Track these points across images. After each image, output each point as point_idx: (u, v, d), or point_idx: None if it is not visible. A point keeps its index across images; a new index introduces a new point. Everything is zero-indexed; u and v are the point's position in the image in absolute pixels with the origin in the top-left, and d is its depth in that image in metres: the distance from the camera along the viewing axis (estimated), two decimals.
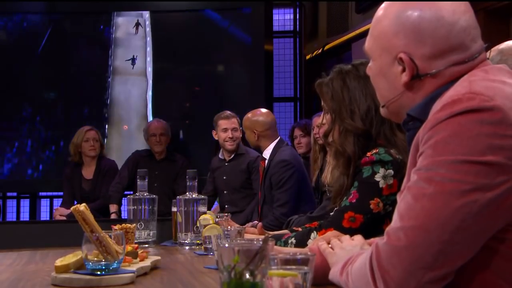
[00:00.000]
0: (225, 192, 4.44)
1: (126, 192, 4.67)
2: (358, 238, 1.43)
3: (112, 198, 4.64)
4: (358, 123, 1.90)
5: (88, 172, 4.82)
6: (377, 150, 1.86)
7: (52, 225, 3.23)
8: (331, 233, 1.55)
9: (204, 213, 2.40)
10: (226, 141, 4.32)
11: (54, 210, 5.25)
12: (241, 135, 4.35)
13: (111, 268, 1.51)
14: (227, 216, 2.35)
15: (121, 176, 4.75)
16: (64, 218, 4.39)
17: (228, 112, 4.39)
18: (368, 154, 1.87)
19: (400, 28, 1.21)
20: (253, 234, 2.11)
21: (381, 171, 1.84)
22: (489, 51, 1.95)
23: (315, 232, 1.89)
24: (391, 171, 1.84)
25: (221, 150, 4.48)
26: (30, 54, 5.87)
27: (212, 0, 5.94)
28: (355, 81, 1.93)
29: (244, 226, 2.10)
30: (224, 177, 4.42)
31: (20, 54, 5.90)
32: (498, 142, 1.04)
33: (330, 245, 1.42)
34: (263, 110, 4.18)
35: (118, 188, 4.67)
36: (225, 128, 4.32)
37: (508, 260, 1.09)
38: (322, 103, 2.01)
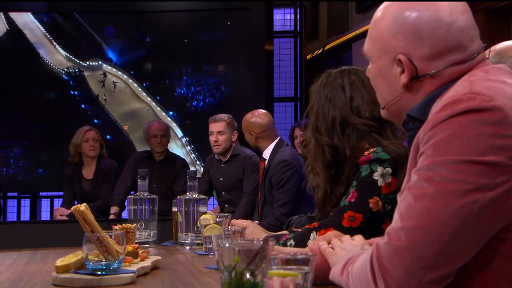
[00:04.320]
0: (223, 193, 4.44)
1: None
2: (359, 238, 1.43)
3: (114, 200, 4.65)
4: (324, 137, 1.93)
5: (88, 172, 4.82)
6: (375, 149, 1.87)
7: (53, 225, 3.21)
8: (332, 233, 1.55)
9: (205, 213, 2.40)
10: (213, 145, 4.32)
11: (54, 210, 5.26)
12: (231, 138, 4.32)
13: (111, 268, 1.51)
14: (228, 216, 2.35)
15: (124, 179, 4.75)
16: (65, 218, 4.39)
17: (221, 115, 4.38)
18: (366, 153, 1.87)
19: (398, 29, 1.21)
20: (242, 223, 2.17)
21: (379, 169, 1.84)
22: (488, 50, 1.95)
23: (314, 232, 1.89)
24: (389, 169, 1.84)
25: None
26: (31, 53, 5.87)
27: (212, 0, 5.94)
28: (325, 90, 1.97)
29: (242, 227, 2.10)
30: (221, 179, 4.41)
31: (21, 53, 5.89)
32: (498, 142, 1.04)
33: (330, 245, 1.42)
34: (261, 111, 4.18)
35: (121, 190, 4.68)
36: (211, 131, 4.31)
37: (509, 259, 1.09)
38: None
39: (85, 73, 5.89)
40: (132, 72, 5.93)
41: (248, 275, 0.99)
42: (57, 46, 5.89)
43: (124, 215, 4.43)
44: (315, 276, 1.16)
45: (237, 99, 5.83)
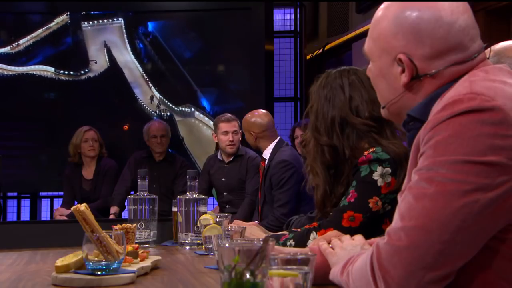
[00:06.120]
0: (224, 193, 4.44)
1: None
2: (359, 238, 1.43)
3: (114, 200, 4.65)
4: (323, 137, 1.93)
5: (88, 172, 4.83)
6: (374, 149, 1.87)
7: (53, 225, 3.21)
8: (332, 233, 1.55)
9: (205, 213, 2.40)
10: (227, 145, 4.32)
11: (54, 210, 5.26)
12: (240, 138, 4.35)
13: (111, 268, 1.51)
14: (228, 216, 2.35)
15: (124, 179, 4.76)
16: (65, 218, 4.40)
17: (229, 114, 4.39)
18: (365, 153, 1.88)
19: (399, 29, 1.21)
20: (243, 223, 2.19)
21: (379, 169, 1.85)
22: (488, 50, 1.95)
23: (314, 232, 1.89)
24: (388, 169, 1.84)
25: (219, 151, 4.47)
26: (126, 91, 5.87)
27: (212, 0, 5.94)
28: (325, 90, 1.97)
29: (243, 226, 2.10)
30: (223, 179, 4.41)
31: (117, 91, 5.89)
32: (499, 142, 1.04)
33: (330, 245, 1.42)
34: (261, 111, 4.18)
35: (121, 190, 4.68)
36: (226, 131, 4.31)
37: (509, 260, 1.09)
38: None
39: (176, 118, 5.85)
40: None
41: (248, 275, 0.99)
42: (152, 87, 5.88)
43: (124, 215, 4.43)
44: (315, 276, 1.16)
45: (237, 99, 5.83)
